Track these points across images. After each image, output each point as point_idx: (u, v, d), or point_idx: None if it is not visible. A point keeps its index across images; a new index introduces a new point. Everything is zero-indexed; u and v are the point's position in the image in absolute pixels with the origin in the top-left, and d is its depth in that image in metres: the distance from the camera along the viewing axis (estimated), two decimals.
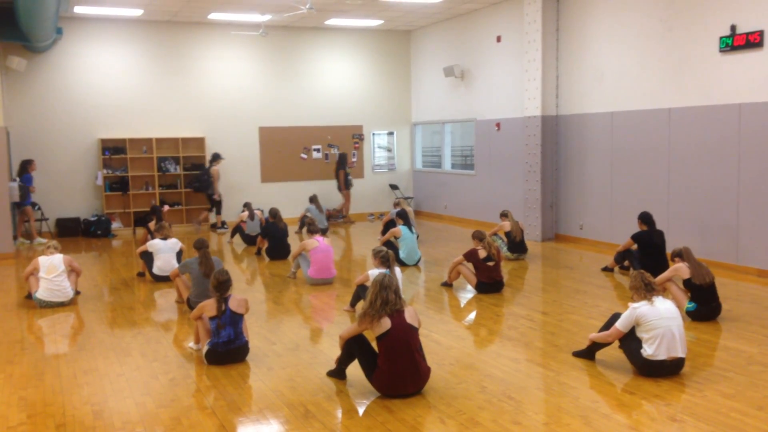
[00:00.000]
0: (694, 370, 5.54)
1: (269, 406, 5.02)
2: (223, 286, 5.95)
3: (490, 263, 8.39)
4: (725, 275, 8.97)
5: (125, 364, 6.04)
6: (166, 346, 6.57)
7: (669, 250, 7.83)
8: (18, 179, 12.71)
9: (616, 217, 11.22)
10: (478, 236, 8.58)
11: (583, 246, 11.79)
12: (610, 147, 11.28)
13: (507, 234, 10.68)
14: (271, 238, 11.16)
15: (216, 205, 14.50)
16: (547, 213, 12.46)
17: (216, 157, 14.50)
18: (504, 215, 10.89)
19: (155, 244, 9.42)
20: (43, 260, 8.19)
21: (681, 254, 7.12)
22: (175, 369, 5.89)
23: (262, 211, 13.30)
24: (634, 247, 9.11)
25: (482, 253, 8.39)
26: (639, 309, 5.39)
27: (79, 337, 7.10)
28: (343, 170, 15.60)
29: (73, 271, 8.45)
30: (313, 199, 14.19)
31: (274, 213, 11.38)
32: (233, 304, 5.93)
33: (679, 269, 7.01)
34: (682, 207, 10.04)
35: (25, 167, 13.13)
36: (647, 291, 5.44)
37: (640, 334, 5.41)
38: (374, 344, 5.18)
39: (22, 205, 12.93)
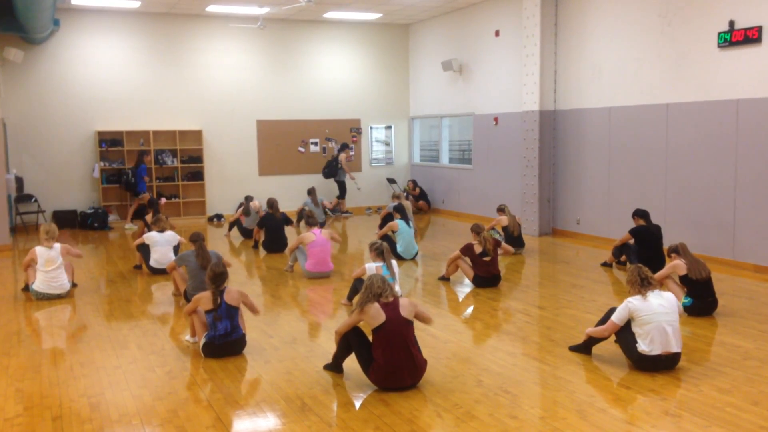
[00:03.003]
0: (689, 365, 5.56)
1: (266, 399, 5.02)
2: (218, 278, 5.94)
3: (486, 258, 8.40)
4: (721, 271, 8.98)
5: (122, 357, 6.04)
6: (162, 339, 6.57)
7: (666, 245, 7.85)
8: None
9: (613, 212, 11.23)
10: (476, 229, 8.57)
11: (580, 241, 11.80)
12: (608, 142, 11.28)
13: (504, 228, 10.69)
14: (267, 229, 11.14)
15: (345, 191, 15.06)
16: (544, 208, 12.46)
17: (344, 146, 15.81)
18: (501, 210, 10.88)
19: (152, 237, 9.40)
20: (40, 251, 8.13)
21: (677, 250, 7.13)
22: (171, 362, 5.89)
23: (260, 205, 13.23)
24: (632, 241, 9.12)
25: (478, 249, 8.40)
26: (632, 303, 5.41)
27: (75, 329, 7.09)
28: None
29: (70, 256, 8.40)
30: (310, 193, 14.17)
31: (271, 203, 11.32)
32: (229, 297, 5.92)
33: (677, 266, 7.02)
34: (679, 202, 10.05)
35: (141, 158, 13.84)
36: (642, 285, 5.45)
37: (635, 329, 5.42)
38: (371, 338, 5.18)
39: (139, 193, 13.74)
